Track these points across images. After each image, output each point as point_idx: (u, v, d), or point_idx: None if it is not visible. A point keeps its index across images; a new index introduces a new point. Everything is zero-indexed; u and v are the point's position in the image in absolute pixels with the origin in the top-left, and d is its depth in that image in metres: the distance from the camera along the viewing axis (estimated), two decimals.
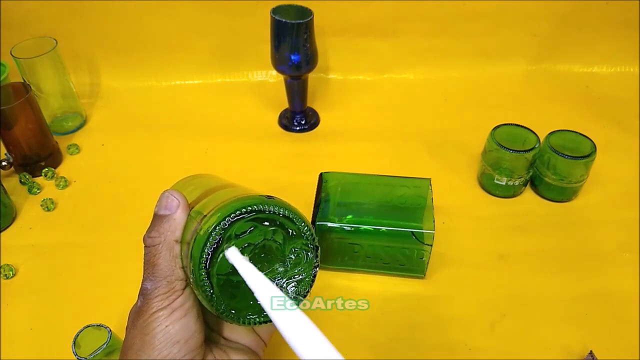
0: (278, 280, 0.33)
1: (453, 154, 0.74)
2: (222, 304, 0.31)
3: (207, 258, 0.30)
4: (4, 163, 0.70)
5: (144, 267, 0.33)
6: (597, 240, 0.61)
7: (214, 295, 0.31)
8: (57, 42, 0.75)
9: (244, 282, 0.30)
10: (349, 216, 0.57)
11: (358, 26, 0.86)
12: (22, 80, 0.74)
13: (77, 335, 0.45)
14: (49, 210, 0.67)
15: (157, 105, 0.87)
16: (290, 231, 0.33)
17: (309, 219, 0.53)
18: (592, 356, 0.48)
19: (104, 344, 0.44)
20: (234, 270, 0.31)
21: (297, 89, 0.76)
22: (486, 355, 0.50)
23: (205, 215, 0.31)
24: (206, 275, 0.30)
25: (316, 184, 0.58)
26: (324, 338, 0.29)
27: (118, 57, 0.89)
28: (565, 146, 0.63)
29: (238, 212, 0.30)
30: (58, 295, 0.57)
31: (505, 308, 0.54)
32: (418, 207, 0.57)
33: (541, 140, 0.64)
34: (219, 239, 0.30)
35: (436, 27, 0.86)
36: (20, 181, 0.71)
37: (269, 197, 0.32)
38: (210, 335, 0.37)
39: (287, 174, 0.71)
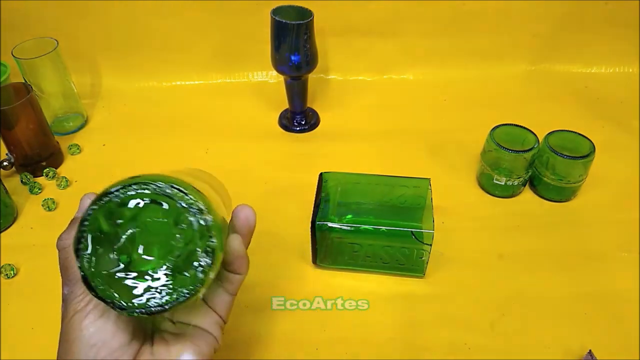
0: (177, 258, 0.30)
1: (452, 154, 0.74)
2: (105, 292, 0.29)
3: (76, 246, 0.29)
4: (5, 163, 0.70)
5: (60, 271, 0.33)
6: (596, 240, 0.61)
7: (92, 283, 0.29)
8: (58, 43, 0.75)
9: (131, 269, 0.29)
10: (349, 216, 0.57)
11: (358, 26, 0.86)
12: (23, 81, 0.75)
13: None
14: (50, 210, 0.67)
15: (158, 105, 0.87)
16: (166, 205, 0.29)
17: (309, 219, 0.53)
18: (591, 355, 0.48)
19: None
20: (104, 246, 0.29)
21: (297, 90, 0.77)
22: (486, 354, 0.50)
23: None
24: (79, 262, 0.29)
25: (316, 184, 0.58)
26: None
27: (119, 58, 0.89)
28: (564, 146, 0.63)
29: (101, 200, 0.29)
30: (59, 295, 0.56)
31: (505, 307, 0.54)
32: (417, 207, 0.57)
33: (540, 141, 0.64)
34: (89, 232, 0.29)
35: (436, 27, 0.86)
36: (22, 181, 0.71)
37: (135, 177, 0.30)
38: (154, 324, 0.34)
39: (287, 174, 0.71)
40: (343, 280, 0.57)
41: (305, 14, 0.69)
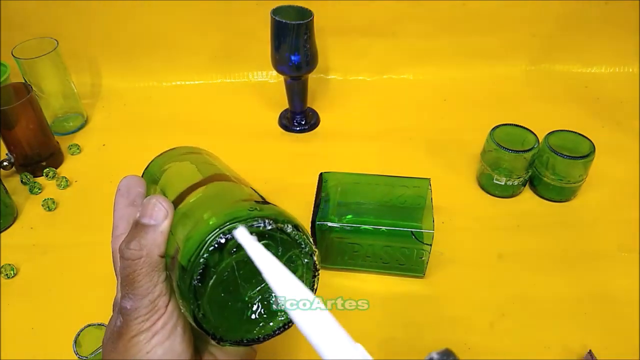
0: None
1: (452, 154, 0.74)
2: (210, 323, 0.29)
3: (196, 275, 0.28)
4: (5, 163, 0.70)
5: (122, 281, 0.30)
6: (596, 240, 0.61)
7: (200, 313, 0.28)
8: (58, 43, 0.75)
9: (233, 299, 0.29)
10: (349, 216, 0.57)
11: (358, 26, 0.86)
12: (23, 81, 0.75)
13: (78, 335, 0.45)
14: (50, 210, 0.67)
15: (158, 105, 0.87)
16: (283, 239, 0.30)
17: (309, 219, 0.53)
18: (591, 355, 0.48)
19: None
20: (223, 284, 0.29)
21: (297, 90, 0.77)
22: (485, 354, 0.50)
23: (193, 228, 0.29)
24: (194, 294, 0.28)
25: (316, 184, 0.58)
26: (350, 340, 0.26)
27: (119, 58, 0.89)
28: (564, 146, 0.63)
29: (226, 232, 0.28)
30: (59, 295, 0.57)
31: (505, 307, 0.54)
32: (417, 207, 0.57)
33: (540, 141, 0.64)
34: (207, 256, 0.28)
35: (436, 27, 0.86)
36: (22, 181, 0.71)
37: (260, 204, 0.30)
38: (201, 340, 0.34)
39: (287, 174, 0.71)
40: (343, 280, 0.57)
41: (305, 14, 0.69)
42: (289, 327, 0.31)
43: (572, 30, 0.87)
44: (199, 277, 0.27)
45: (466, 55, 0.89)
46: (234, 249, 0.28)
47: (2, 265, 0.59)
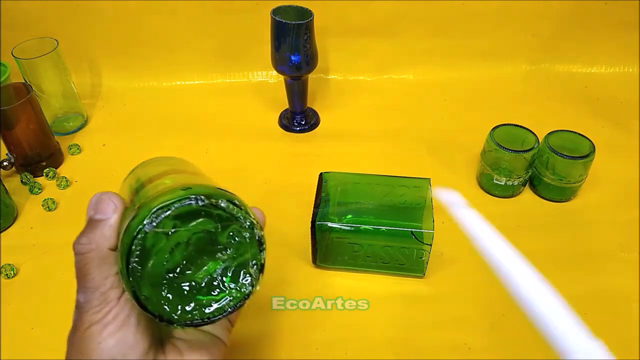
0: (223, 272, 0.31)
1: (452, 154, 0.74)
2: (155, 306, 0.29)
3: (126, 259, 0.28)
4: (5, 163, 0.70)
5: (76, 276, 0.31)
6: (596, 240, 0.61)
7: (142, 296, 0.29)
8: (58, 43, 0.75)
9: (178, 280, 0.29)
10: (349, 216, 0.57)
11: (358, 26, 0.86)
12: (23, 81, 0.75)
13: None
14: (50, 210, 0.67)
15: (157, 105, 0.87)
16: (220, 215, 0.30)
17: (309, 219, 0.53)
18: None
19: None
20: (165, 266, 0.29)
21: (297, 90, 0.77)
22: (485, 354, 0.50)
23: (135, 215, 0.29)
24: (133, 277, 0.28)
25: (316, 184, 0.58)
26: None
27: (119, 58, 0.89)
28: (564, 146, 0.63)
29: (154, 215, 0.28)
30: (59, 295, 0.57)
31: (505, 307, 0.54)
32: (418, 207, 0.57)
33: (540, 141, 0.64)
34: (140, 238, 0.28)
35: (436, 27, 0.87)
36: (22, 181, 0.71)
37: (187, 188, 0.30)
38: (164, 333, 0.34)
39: (287, 174, 0.71)
40: (343, 280, 0.57)
41: (305, 14, 0.69)
42: (240, 306, 0.31)
43: (572, 30, 0.87)
44: (136, 259, 0.28)
45: (466, 55, 0.89)
46: (171, 231, 0.29)
47: (2, 265, 0.59)
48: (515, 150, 0.62)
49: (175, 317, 0.29)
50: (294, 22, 0.67)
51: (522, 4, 0.84)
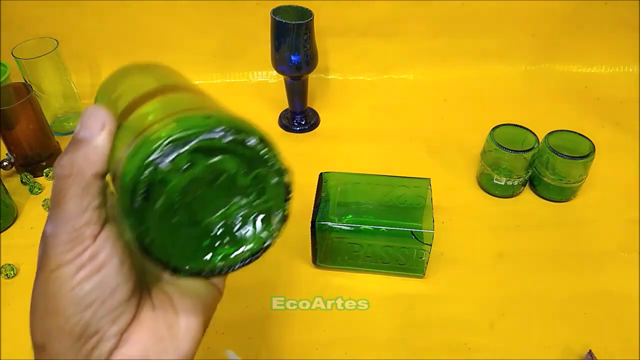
0: (240, 218, 0.26)
1: (452, 154, 0.74)
2: (161, 250, 0.24)
3: (132, 194, 0.23)
4: (5, 163, 0.70)
5: (50, 203, 0.25)
6: (596, 240, 0.61)
7: (148, 239, 0.24)
8: (58, 43, 0.75)
9: (188, 224, 0.25)
10: (349, 216, 0.57)
11: (358, 26, 0.86)
12: (23, 81, 0.75)
13: None
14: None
15: None
16: (245, 155, 0.26)
17: (309, 219, 0.53)
18: (591, 355, 0.48)
19: None
20: (175, 207, 0.24)
21: (297, 90, 0.77)
22: (485, 354, 0.50)
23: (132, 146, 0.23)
24: (140, 215, 0.23)
25: (316, 184, 0.58)
26: None
27: (119, 58, 0.88)
28: (564, 146, 0.63)
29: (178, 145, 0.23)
30: None
31: (505, 307, 0.54)
32: (417, 207, 0.57)
33: (540, 141, 0.64)
34: (151, 171, 0.23)
35: (436, 27, 0.86)
36: (22, 181, 0.71)
37: (208, 116, 0.25)
38: (151, 276, 0.29)
39: None
40: (343, 280, 0.57)
41: (305, 14, 0.69)
42: (256, 257, 0.27)
43: (571, 30, 0.87)
44: (144, 194, 0.23)
45: (466, 55, 0.89)
46: (186, 165, 0.24)
47: (2, 265, 0.59)
48: (515, 150, 0.62)
49: (183, 265, 0.25)
50: (294, 22, 0.67)
51: (522, 4, 0.84)
